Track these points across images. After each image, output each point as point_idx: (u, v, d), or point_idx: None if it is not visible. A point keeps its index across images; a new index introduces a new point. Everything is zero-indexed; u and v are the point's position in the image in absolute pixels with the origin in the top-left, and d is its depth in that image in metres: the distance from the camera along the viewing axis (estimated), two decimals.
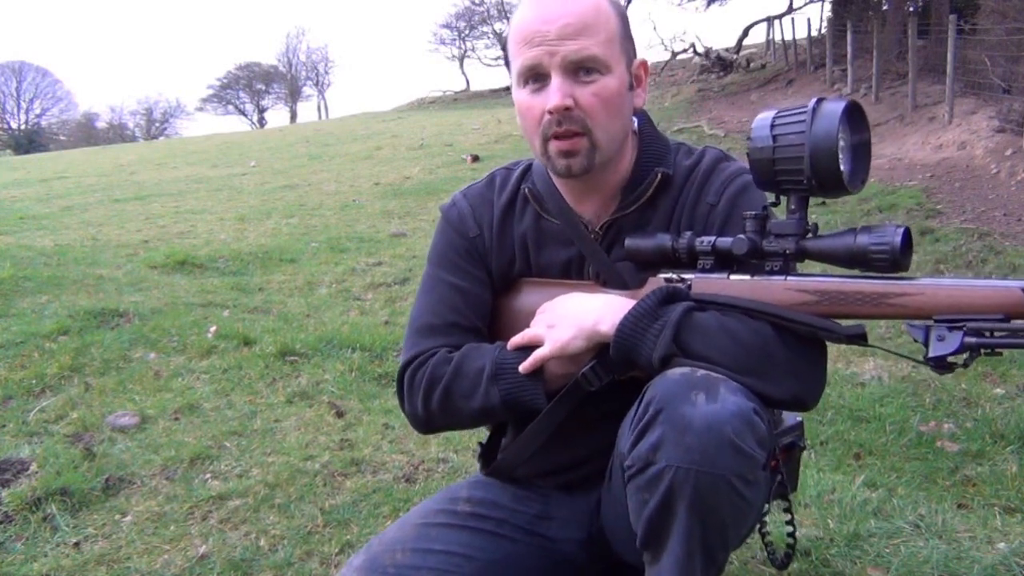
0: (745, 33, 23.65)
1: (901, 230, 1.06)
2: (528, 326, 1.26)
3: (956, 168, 8.07)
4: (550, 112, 1.19)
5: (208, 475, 2.42)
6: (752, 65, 22.20)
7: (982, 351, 1.00)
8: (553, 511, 1.40)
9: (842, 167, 1.07)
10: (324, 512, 2.15)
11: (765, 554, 1.45)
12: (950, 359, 1.00)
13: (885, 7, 17.01)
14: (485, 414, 1.27)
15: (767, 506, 1.23)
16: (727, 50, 24.04)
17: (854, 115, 1.11)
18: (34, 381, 3.16)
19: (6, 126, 45.99)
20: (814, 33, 18.90)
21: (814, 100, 1.10)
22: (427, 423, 1.33)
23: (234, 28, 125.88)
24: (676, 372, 1.08)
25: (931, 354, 1.01)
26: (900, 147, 9.56)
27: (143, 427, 2.77)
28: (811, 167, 1.07)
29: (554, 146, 1.22)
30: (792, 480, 1.34)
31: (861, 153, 1.13)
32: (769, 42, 23.93)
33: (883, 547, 1.81)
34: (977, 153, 8.25)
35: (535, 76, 1.21)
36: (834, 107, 1.08)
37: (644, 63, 1.30)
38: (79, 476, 2.31)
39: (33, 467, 2.41)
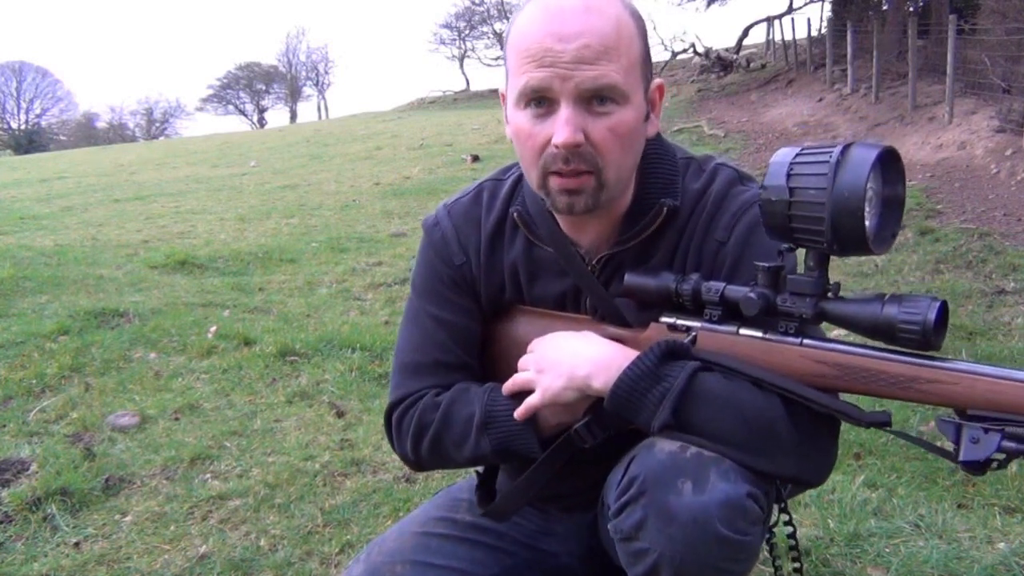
0: (745, 33, 23.65)
1: (936, 305, 0.92)
2: (521, 358, 1.18)
3: (956, 168, 8.07)
4: (557, 146, 1.04)
5: (208, 475, 2.42)
6: (752, 65, 22.20)
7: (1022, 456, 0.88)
8: (552, 526, 1.38)
9: (867, 223, 0.92)
10: (324, 512, 2.15)
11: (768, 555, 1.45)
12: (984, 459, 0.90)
13: (885, 7, 17.02)
14: (477, 461, 1.22)
15: (773, 516, 1.17)
16: (727, 50, 24.04)
17: (887, 164, 0.96)
18: (34, 381, 3.16)
19: (6, 126, 46.03)
20: (814, 33, 18.92)
21: (840, 146, 0.94)
22: (418, 466, 1.29)
23: (234, 28, 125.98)
24: (664, 448, 1.00)
25: (963, 458, 0.90)
26: (900, 147, 9.50)
27: (143, 427, 2.78)
28: (832, 227, 0.93)
29: (556, 182, 1.07)
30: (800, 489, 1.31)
31: (891, 208, 0.98)
32: (769, 42, 23.95)
33: (883, 547, 1.81)
34: (977, 153, 8.24)
35: (540, 99, 1.06)
36: (863, 156, 0.92)
37: (660, 86, 1.15)
38: (79, 476, 2.31)
39: (33, 467, 2.41)
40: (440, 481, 2.29)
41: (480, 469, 1.35)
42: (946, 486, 2.23)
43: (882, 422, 0.98)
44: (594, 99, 1.05)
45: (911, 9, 15.26)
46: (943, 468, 2.35)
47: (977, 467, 0.90)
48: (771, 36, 23.69)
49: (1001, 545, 1.81)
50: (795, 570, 1.25)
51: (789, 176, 0.96)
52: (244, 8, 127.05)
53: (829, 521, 1.93)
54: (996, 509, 2.04)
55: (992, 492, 2.16)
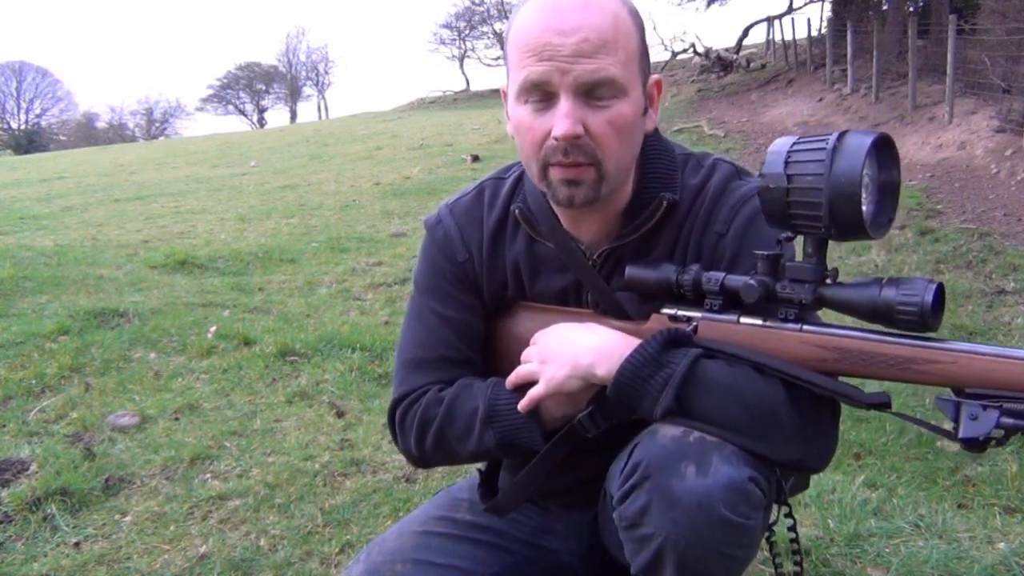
0: (745, 33, 23.66)
1: (933, 287, 0.94)
2: (523, 352, 1.19)
3: (956, 168, 8.07)
4: (556, 139, 1.06)
5: (208, 475, 2.42)
6: (752, 65, 22.20)
7: (1021, 432, 0.90)
8: (553, 524, 1.39)
9: (864, 208, 0.95)
10: (324, 512, 2.15)
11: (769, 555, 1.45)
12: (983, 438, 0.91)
13: (885, 7, 17.03)
14: (481, 456, 1.23)
15: (773, 514, 1.17)
16: (727, 50, 24.05)
17: (882, 150, 0.98)
18: (34, 381, 3.16)
19: (6, 126, 46.02)
20: (814, 33, 18.92)
21: (836, 134, 0.96)
22: (422, 462, 1.29)
23: (234, 28, 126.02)
24: (667, 434, 1.02)
25: (962, 435, 0.91)
26: (900, 147, 9.45)
27: (143, 427, 2.78)
28: (829, 211, 0.95)
29: (556, 173, 1.09)
30: (801, 486, 1.30)
31: (887, 194, 1.00)
32: (769, 42, 23.95)
33: (883, 547, 1.81)
34: (977, 153, 8.25)
35: (540, 94, 1.08)
36: (859, 142, 0.95)
37: (659, 82, 1.17)
38: (79, 476, 2.31)
39: (33, 467, 2.41)
40: (440, 481, 2.29)
41: (482, 466, 1.35)
42: (946, 486, 2.24)
43: (882, 403, 1.00)
44: (593, 92, 1.07)
45: (911, 9, 15.27)
46: (943, 468, 2.36)
47: (977, 444, 0.91)
48: (771, 36, 23.71)
49: (1001, 545, 1.81)
50: (795, 564, 1.25)
51: (787, 164, 0.98)
52: (244, 8, 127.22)
53: (829, 521, 1.93)
54: (996, 509, 2.04)
55: (992, 492, 2.16)
